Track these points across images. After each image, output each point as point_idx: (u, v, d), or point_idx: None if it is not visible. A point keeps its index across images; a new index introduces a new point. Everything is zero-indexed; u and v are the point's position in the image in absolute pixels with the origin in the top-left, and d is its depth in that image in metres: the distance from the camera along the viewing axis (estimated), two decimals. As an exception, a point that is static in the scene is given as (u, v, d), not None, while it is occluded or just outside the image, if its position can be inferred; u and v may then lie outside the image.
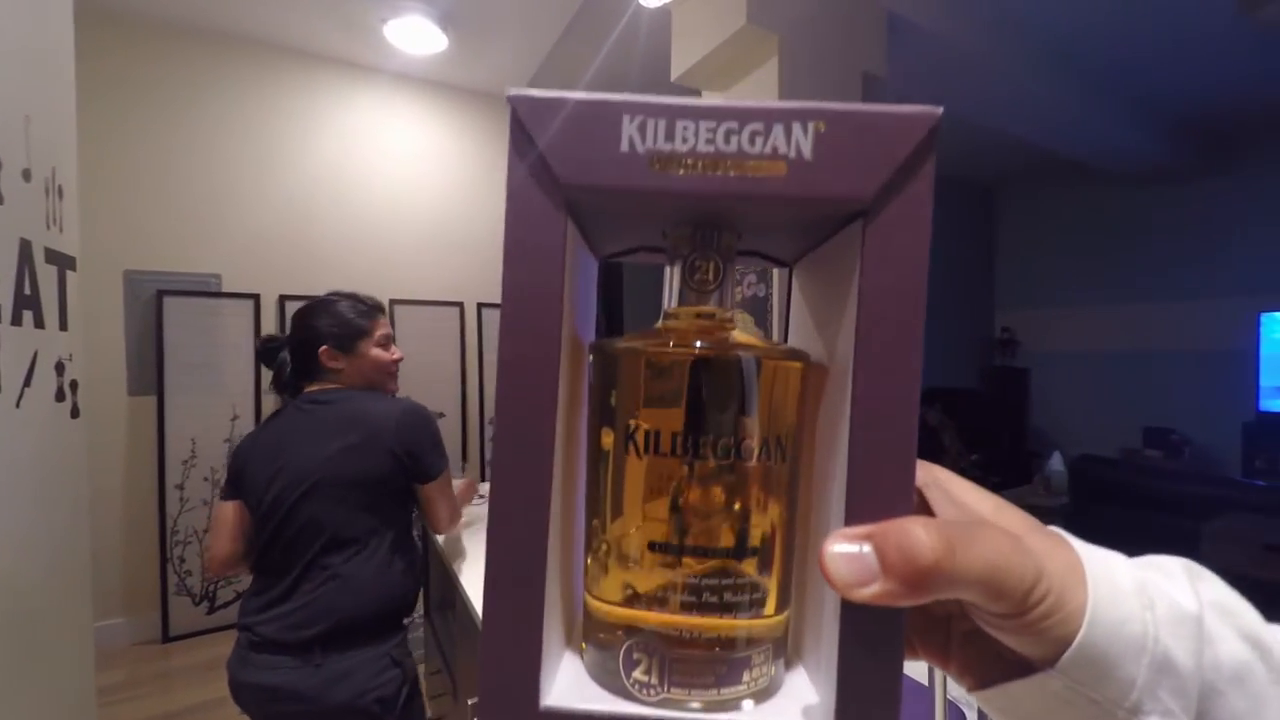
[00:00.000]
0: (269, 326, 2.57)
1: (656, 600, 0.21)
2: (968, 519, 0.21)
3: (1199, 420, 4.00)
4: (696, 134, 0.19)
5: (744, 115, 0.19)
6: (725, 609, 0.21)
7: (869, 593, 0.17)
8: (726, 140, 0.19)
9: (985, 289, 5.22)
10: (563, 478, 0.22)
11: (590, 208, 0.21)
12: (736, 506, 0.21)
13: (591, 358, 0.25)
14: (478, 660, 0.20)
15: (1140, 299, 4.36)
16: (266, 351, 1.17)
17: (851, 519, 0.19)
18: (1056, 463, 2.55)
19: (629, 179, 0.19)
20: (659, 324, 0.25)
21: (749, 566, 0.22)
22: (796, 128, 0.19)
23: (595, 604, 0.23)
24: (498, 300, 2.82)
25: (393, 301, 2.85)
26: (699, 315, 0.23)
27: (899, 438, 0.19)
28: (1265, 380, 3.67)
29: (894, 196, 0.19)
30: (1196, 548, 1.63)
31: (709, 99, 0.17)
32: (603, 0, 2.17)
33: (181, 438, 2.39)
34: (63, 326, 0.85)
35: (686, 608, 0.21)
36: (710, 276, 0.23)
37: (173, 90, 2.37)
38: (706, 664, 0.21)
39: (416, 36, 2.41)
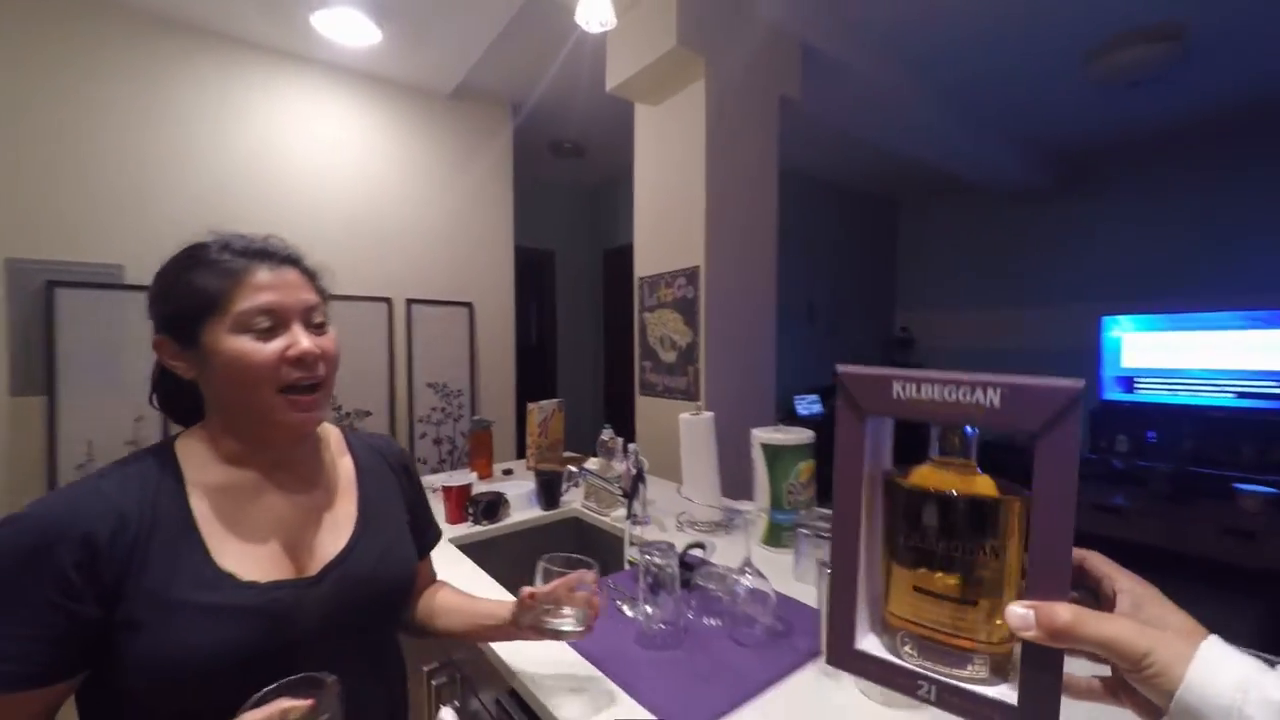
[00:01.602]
0: (178, 321, 2.43)
1: (925, 620, 0.39)
2: (1128, 606, 0.36)
3: (1058, 409, 4.64)
4: (934, 390, 0.37)
5: (958, 382, 0.37)
6: (963, 630, 0.38)
7: (1029, 635, 0.33)
8: (950, 394, 0.37)
9: (888, 292, 5.74)
10: (867, 546, 0.42)
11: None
12: (978, 578, 0.38)
13: (885, 484, 0.42)
14: (825, 627, 0.44)
15: (1012, 303, 4.99)
16: None
17: (1029, 595, 0.35)
18: (941, 446, 2.93)
19: (897, 410, 0.39)
20: (926, 465, 0.42)
21: (979, 611, 0.38)
22: (990, 391, 0.35)
23: (887, 614, 0.42)
24: (427, 296, 2.83)
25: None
26: (957, 465, 0.41)
27: (1059, 557, 0.35)
28: (1106, 373, 4.33)
29: (1052, 430, 0.34)
30: (1043, 511, 1.97)
31: (944, 373, 0.38)
32: (541, 5, 2.23)
33: (76, 441, 2.22)
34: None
35: (943, 627, 0.39)
36: (957, 443, 0.40)
37: (69, 64, 2.19)
38: (949, 654, 0.38)
39: (347, 28, 2.37)
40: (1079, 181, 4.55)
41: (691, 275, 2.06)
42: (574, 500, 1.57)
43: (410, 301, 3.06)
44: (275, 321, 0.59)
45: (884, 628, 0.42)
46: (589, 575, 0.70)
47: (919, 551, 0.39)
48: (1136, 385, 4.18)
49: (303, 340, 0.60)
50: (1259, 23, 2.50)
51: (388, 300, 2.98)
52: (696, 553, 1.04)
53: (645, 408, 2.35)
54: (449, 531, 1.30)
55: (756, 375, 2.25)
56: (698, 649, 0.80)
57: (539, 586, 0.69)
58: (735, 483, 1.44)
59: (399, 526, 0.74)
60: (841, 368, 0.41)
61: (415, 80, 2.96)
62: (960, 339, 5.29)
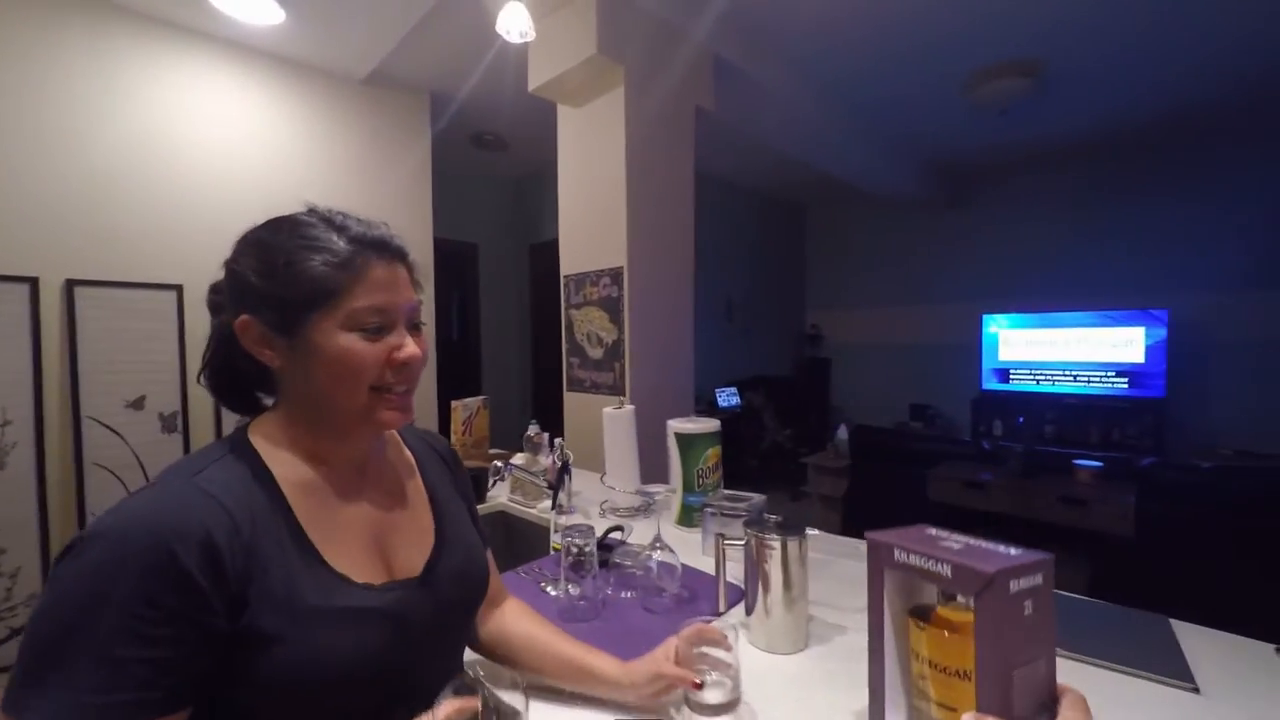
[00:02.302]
0: (51, 316, 2.21)
1: (933, 714, 0.55)
2: None
3: (946, 397, 5.16)
4: (915, 558, 0.53)
5: (927, 555, 0.52)
6: None
7: None
8: (923, 563, 0.52)
9: (798, 292, 6.12)
10: (899, 656, 0.58)
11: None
12: (956, 692, 0.52)
13: (909, 622, 0.57)
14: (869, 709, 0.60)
15: (908, 302, 5.47)
16: (213, 306, 0.63)
17: (978, 708, 0.47)
18: (842, 433, 3.20)
19: (900, 568, 0.55)
20: (940, 607, 0.56)
21: (958, 714, 0.51)
22: (944, 565, 0.50)
23: (912, 708, 0.58)
24: None
25: (215, 288, 2.60)
26: (956, 606, 0.55)
27: (995, 681, 0.47)
28: (985, 365, 4.88)
29: (982, 596, 0.47)
30: (926, 486, 2.24)
31: (923, 545, 0.53)
32: (459, 10, 2.21)
33: (-76, 450, 1.98)
34: None
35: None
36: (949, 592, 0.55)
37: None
38: None
39: (246, 5, 2.24)
40: (962, 195, 5.07)
41: (616, 275, 2.14)
42: (500, 495, 1.62)
43: (323, 295, 2.93)
44: (384, 322, 0.55)
45: (918, 715, 0.59)
46: (712, 631, 0.66)
47: (925, 668, 0.56)
48: (1011, 376, 4.74)
49: (410, 345, 0.57)
50: (1105, 65, 2.93)
51: (298, 294, 2.84)
52: (616, 535, 1.13)
53: (573, 402, 2.41)
54: (372, 528, 1.31)
55: (677, 370, 2.38)
56: (614, 618, 0.89)
57: (675, 665, 0.64)
58: (656, 470, 1.55)
59: (466, 520, 0.71)
60: (869, 534, 0.58)
61: (324, 64, 2.83)
62: (863, 335, 5.74)
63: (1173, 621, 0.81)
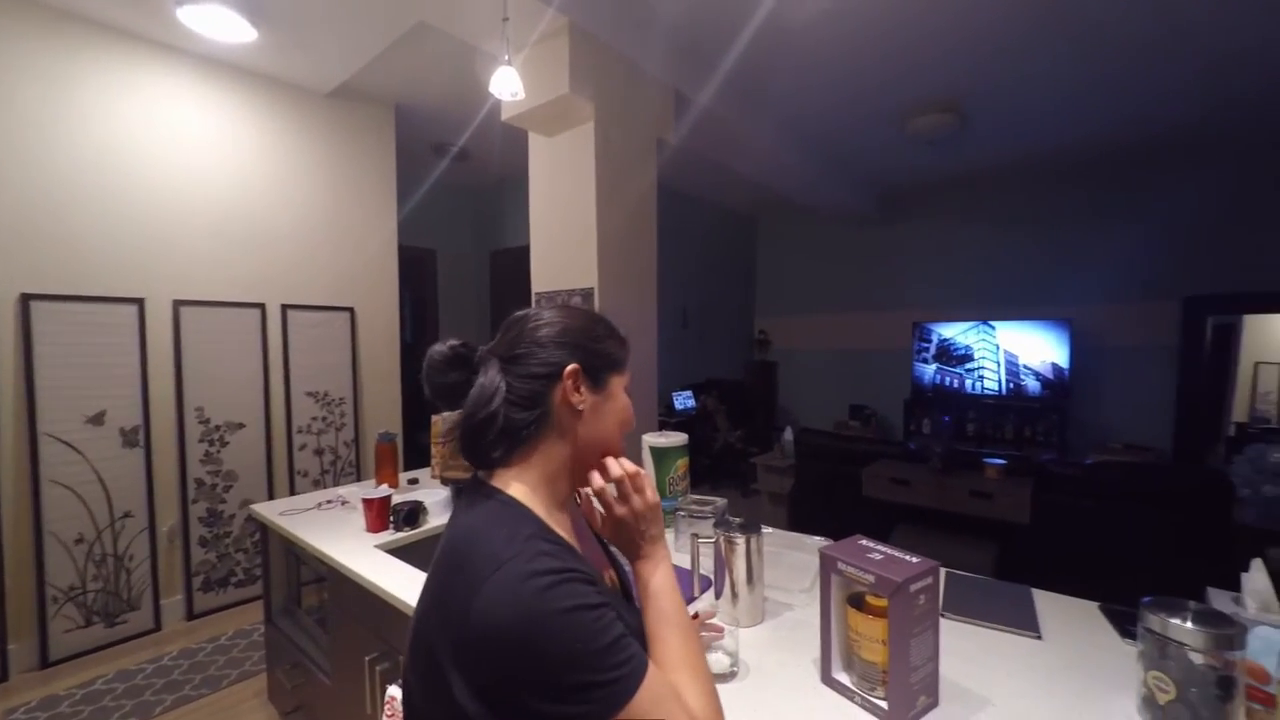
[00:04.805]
0: (6, 331, 2.18)
1: (862, 666, 0.80)
2: None
3: (881, 398, 5.58)
4: (850, 569, 0.77)
5: (858, 566, 0.76)
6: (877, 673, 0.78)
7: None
8: (858, 572, 0.76)
9: (749, 299, 6.43)
10: (839, 627, 0.83)
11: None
12: (880, 652, 0.76)
13: (847, 605, 0.82)
14: (821, 663, 0.83)
15: (849, 310, 5.87)
16: (455, 360, 0.69)
17: (890, 664, 0.74)
18: (788, 434, 3.49)
19: (843, 574, 0.79)
20: (869, 595, 0.78)
21: (880, 667, 0.77)
22: (868, 573, 0.74)
23: (852, 658, 0.82)
24: (305, 301, 2.81)
25: (178, 303, 2.59)
26: (877, 598, 0.77)
27: (902, 651, 0.73)
28: (915, 369, 5.32)
29: (894, 596, 0.71)
30: (860, 482, 2.53)
31: (855, 560, 0.73)
32: (429, 23, 2.28)
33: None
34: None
35: (869, 670, 0.79)
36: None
37: None
38: (870, 684, 0.78)
39: (218, 24, 2.26)
40: (897, 213, 5.50)
41: (587, 295, 2.30)
42: (483, 502, 1.76)
43: (286, 307, 2.95)
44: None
45: (850, 667, 0.80)
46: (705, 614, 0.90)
47: (857, 636, 0.77)
48: (937, 379, 5.20)
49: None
50: (1016, 104, 3.32)
51: (261, 306, 2.86)
52: (599, 538, 1.31)
53: (540, 412, 2.56)
54: (373, 539, 1.43)
55: (642, 382, 2.57)
56: (605, 608, 1.06)
57: None
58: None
59: None
60: (822, 550, 0.80)
61: (291, 78, 2.85)
62: (807, 341, 6.12)
63: (1034, 591, 1.07)
